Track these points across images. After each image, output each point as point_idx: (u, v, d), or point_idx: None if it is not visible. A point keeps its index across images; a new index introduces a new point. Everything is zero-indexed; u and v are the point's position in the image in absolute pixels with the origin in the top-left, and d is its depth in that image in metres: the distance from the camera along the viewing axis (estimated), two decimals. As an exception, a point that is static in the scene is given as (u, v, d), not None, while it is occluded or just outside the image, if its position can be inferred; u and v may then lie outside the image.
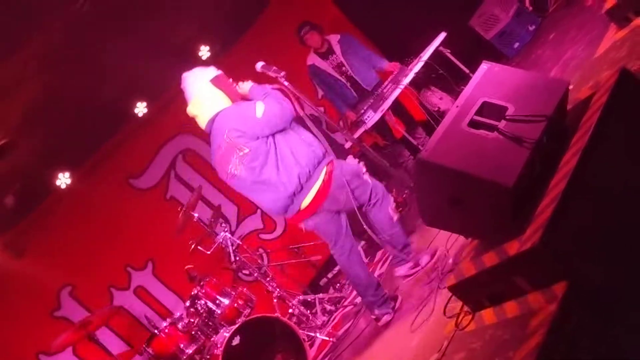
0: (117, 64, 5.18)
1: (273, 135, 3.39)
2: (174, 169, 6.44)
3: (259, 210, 6.55)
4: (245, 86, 3.58)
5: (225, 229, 4.92)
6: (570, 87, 2.53)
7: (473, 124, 2.17)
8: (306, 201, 3.44)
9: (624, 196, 1.98)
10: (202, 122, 3.59)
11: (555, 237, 1.83)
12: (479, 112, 2.20)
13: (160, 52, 5.77)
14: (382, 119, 5.15)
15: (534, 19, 5.87)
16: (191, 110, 3.63)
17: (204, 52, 6.31)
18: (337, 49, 5.77)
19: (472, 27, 6.03)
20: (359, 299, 4.54)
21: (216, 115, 3.48)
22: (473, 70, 3.35)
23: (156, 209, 6.17)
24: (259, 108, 3.37)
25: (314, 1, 7.23)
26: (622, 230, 1.94)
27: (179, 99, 6.46)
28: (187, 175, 6.43)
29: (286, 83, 3.44)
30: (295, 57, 5.88)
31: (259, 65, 3.53)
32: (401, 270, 3.75)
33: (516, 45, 5.85)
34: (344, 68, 5.73)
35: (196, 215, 4.85)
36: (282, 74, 3.42)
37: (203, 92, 3.52)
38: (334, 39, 5.82)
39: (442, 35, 5.12)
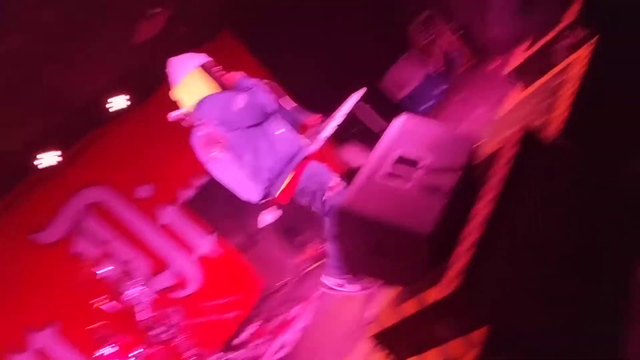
0: (20, 112, 4.96)
1: (254, 125, 3.46)
2: (79, 223, 6.13)
3: (170, 267, 6.33)
4: (234, 77, 3.60)
5: (137, 285, 4.69)
6: (479, 143, 2.65)
7: (389, 174, 2.20)
8: (279, 191, 3.53)
9: (534, 242, 2.06)
10: (186, 105, 3.58)
11: (473, 283, 1.86)
12: (396, 163, 2.25)
13: (71, 104, 5.60)
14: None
15: (441, 82, 6.19)
16: (176, 93, 3.59)
17: (118, 101, 6.15)
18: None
19: (384, 88, 6.28)
20: (277, 356, 4.41)
21: (201, 100, 3.50)
22: (387, 127, 3.46)
23: (59, 266, 5.80)
24: (241, 100, 3.44)
25: (233, 57, 7.29)
26: (535, 276, 2.00)
27: (86, 151, 6.32)
28: (93, 230, 6.13)
29: (200, 133, 3.41)
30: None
31: (174, 113, 3.48)
32: (328, 281, 3.68)
33: (426, 105, 6.13)
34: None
35: (103, 271, 4.61)
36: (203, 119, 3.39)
37: (191, 77, 3.53)
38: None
39: (362, 91, 5.26)
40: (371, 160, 2.31)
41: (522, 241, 2.06)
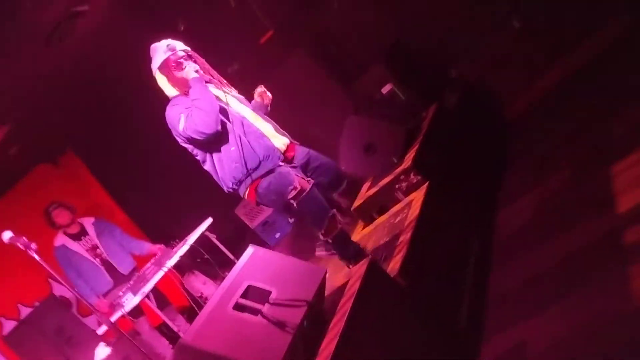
0: None
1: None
2: None
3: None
4: (189, 74, 3.36)
5: None
6: (327, 275, 2.70)
7: (238, 306, 2.16)
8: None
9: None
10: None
11: None
12: (244, 295, 2.21)
13: None
14: (142, 303, 4.88)
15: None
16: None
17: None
18: (90, 231, 5.45)
19: (237, 215, 6.31)
20: None
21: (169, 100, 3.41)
22: (238, 257, 3.42)
23: None
24: (182, 121, 3.25)
25: (75, 178, 6.98)
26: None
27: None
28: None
29: (37, 257, 3.11)
30: (45, 236, 5.42)
31: (6, 235, 3.16)
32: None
33: (277, 234, 6.23)
34: (98, 251, 5.40)
35: None
36: (33, 246, 3.10)
37: (157, 79, 3.44)
38: (88, 221, 5.52)
39: (209, 220, 5.23)
40: (218, 293, 2.25)
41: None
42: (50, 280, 6.37)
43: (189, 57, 3.44)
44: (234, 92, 3.67)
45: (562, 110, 4.12)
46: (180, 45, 3.49)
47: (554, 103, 4.41)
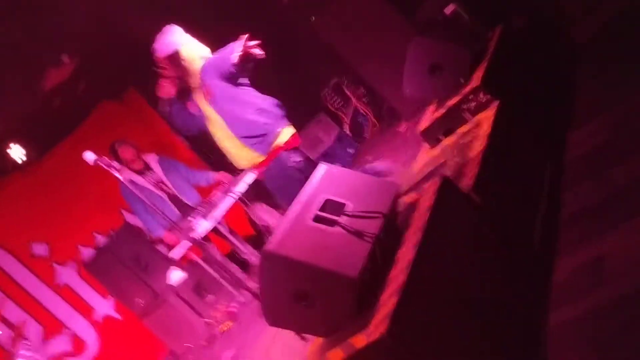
0: None
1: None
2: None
3: (67, 331, 5.89)
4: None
5: (29, 350, 4.31)
6: (400, 192, 2.72)
7: (317, 218, 2.21)
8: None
9: (457, 290, 2.11)
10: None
11: (400, 327, 1.87)
12: (321, 208, 2.26)
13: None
14: (210, 231, 5.05)
15: (353, 143, 6.39)
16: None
17: (16, 151, 5.82)
18: (155, 167, 5.63)
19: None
20: None
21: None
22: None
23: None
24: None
25: (138, 115, 7.16)
26: (458, 322, 2.04)
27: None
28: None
29: (121, 177, 3.28)
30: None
31: (90, 156, 3.32)
32: None
33: (338, 165, 6.27)
34: (163, 186, 5.58)
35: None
36: (115, 164, 3.27)
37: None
38: (152, 158, 5.68)
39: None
40: (296, 207, 2.31)
41: (443, 287, 2.11)
42: (122, 210, 6.68)
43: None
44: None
45: (637, 32, 3.90)
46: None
47: (629, 24, 4.18)
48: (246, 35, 3.73)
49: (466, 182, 2.70)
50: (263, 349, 3.76)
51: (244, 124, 3.78)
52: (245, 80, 3.95)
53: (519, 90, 3.52)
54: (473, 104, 3.47)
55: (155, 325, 5.82)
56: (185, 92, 3.86)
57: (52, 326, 5.79)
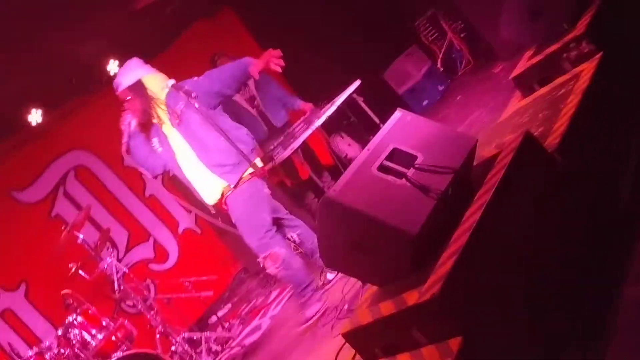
0: (13, 70, 4.84)
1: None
2: (63, 186, 6.01)
3: (151, 239, 6.24)
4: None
5: (112, 255, 4.60)
6: (477, 145, 2.58)
7: (382, 168, 2.14)
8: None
9: (522, 254, 2.01)
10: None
11: (454, 290, 1.80)
12: (389, 158, 2.18)
13: (64, 61, 5.47)
14: (290, 157, 5.09)
15: (444, 79, 6.13)
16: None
17: (113, 66, 6.03)
18: (250, 82, 5.68)
19: (385, 80, 6.20)
20: (247, 341, 4.36)
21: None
22: (383, 121, 3.41)
23: (38, 226, 5.70)
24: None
25: (231, 35, 7.18)
26: (518, 289, 1.95)
27: (78, 113, 6.20)
28: (77, 194, 6.01)
29: (197, 105, 3.31)
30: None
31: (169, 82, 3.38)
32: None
33: (425, 102, 6.07)
34: (255, 102, 5.63)
35: (81, 236, 4.51)
36: (194, 94, 3.30)
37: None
38: None
39: (357, 83, 5.20)
40: (364, 153, 2.24)
41: (507, 251, 2.01)
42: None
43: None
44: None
45: None
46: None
47: None
48: (276, 51, 3.59)
49: (552, 139, 2.52)
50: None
51: (216, 152, 3.58)
52: (219, 108, 3.77)
53: (626, 44, 3.18)
54: (574, 53, 3.19)
55: (231, 242, 6.05)
56: (148, 124, 3.64)
57: (137, 233, 6.14)
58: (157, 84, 3.65)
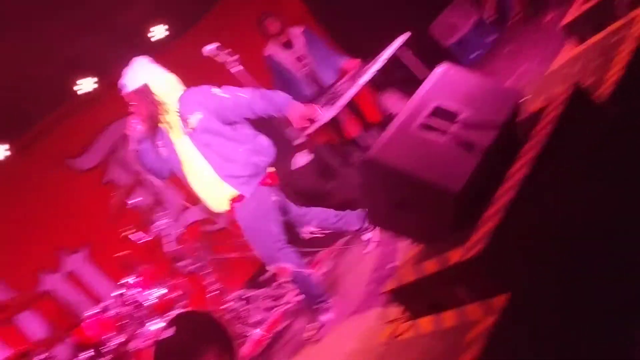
0: (64, 36, 4.94)
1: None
2: (116, 152, 6.19)
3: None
4: None
5: (167, 216, 4.73)
6: (524, 99, 2.50)
7: (424, 126, 2.10)
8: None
9: (571, 211, 1.95)
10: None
11: (498, 247, 1.78)
12: (431, 114, 2.14)
13: (112, 27, 5.55)
14: (336, 116, 5.07)
15: (493, 30, 5.93)
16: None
17: (159, 30, 6.08)
18: (297, 42, 5.65)
19: (432, 34, 6.04)
20: (298, 298, 4.44)
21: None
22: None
23: (94, 192, 5.91)
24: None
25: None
26: (565, 246, 1.90)
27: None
28: (129, 159, 6.17)
29: (237, 69, 3.27)
30: (252, 48, 5.73)
31: (208, 48, 3.33)
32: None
33: (473, 55, 5.91)
34: (303, 62, 5.61)
35: (136, 199, 4.65)
36: (235, 57, 3.24)
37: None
38: (296, 32, 5.70)
39: (406, 35, 5.08)
40: (406, 110, 2.20)
41: (554, 209, 1.95)
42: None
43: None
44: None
45: None
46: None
47: None
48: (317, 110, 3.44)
49: (604, 90, 2.41)
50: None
51: (231, 163, 3.39)
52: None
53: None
54: (630, -4, 3.01)
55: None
56: (155, 129, 3.43)
57: (189, 196, 6.26)
58: (167, 87, 3.47)
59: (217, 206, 3.47)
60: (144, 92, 3.40)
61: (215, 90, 3.47)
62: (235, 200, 3.42)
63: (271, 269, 3.58)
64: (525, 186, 1.92)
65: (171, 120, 3.39)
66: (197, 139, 3.36)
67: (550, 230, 1.90)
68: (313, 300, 3.54)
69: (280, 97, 3.49)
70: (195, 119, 3.34)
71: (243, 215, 3.42)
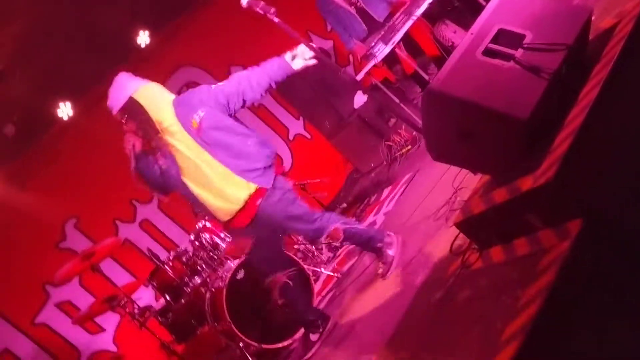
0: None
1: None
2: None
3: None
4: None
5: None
6: (593, 17, 2.38)
7: (488, 52, 2.04)
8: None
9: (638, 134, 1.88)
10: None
11: (571, 173, 1.74)
12: (494, 40, 2.07)
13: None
14: (393, 52, 4.96)
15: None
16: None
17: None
18: None
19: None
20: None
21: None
22: (488, 1, 3.17)
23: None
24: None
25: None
26: (635, 171, 1.84)
27: (183, 31, 6.35)
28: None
29: (276, 20, 3.13)
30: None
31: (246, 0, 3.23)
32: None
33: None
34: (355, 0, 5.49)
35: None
36: (272, 10, 3.12)
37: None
38: None
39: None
40: (468, 38, 2.14)
41: (626, 131, 1.88)
42: (309, 33, 6.79)
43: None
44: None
45: None
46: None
47: None
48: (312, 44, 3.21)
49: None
50: (438, 176, 3.80)
51: (244, 157, 3.25)
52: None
53: None
54: None
55: (341, 144, 6.13)
56: (152, 142, 3.29)
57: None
58: (153, 95, 3.35)
59: (228, 209, 3.33)
60: (131, 106, 3.27)
61: (212, 85, 3.40)
62: (256, 195, 3.32)
63: (323, 239, 3.56)
64: (596, 108, 1.85)
65: (169, 126, 3.29)
66: (204, 138, 3.25)
67: (623, 151, 1.83)
68: (374, 243, 3.55)
69: (275, 60, 3.44)
70: (198, 117, 3.24)
71: (270, 206, 3.29)
